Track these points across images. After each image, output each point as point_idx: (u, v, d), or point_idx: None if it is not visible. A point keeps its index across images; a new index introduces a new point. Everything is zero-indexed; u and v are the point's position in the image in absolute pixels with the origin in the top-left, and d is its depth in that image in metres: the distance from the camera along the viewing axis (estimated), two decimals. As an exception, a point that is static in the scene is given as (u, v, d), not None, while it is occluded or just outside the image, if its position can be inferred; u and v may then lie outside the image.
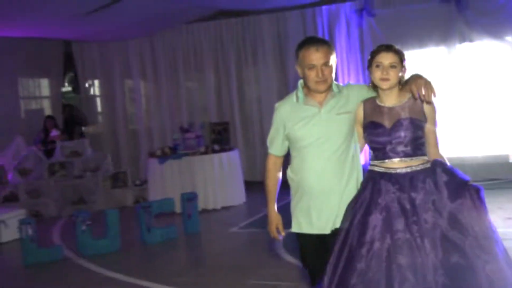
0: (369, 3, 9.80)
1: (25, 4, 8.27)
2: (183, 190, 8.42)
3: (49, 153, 10.61)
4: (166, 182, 9.04)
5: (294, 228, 3.48)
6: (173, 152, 9.33)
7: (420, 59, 9.79)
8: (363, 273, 2.97)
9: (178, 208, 8.16)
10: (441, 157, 3.26)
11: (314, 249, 3.46)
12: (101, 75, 12.30)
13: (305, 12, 10.35)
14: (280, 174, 3.57)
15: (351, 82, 3.31)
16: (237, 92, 11.04)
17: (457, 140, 9.52)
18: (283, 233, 3.54)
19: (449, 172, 3.13)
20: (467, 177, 3.11)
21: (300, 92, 3.43)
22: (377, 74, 3.20)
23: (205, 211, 8.61)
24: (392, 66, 3.17)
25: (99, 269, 6.35)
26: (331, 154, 3.34)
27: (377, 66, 3.19)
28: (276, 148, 3.53)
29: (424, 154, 3.25)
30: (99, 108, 12.78)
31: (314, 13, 10.28)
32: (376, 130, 3.25)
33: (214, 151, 9.21)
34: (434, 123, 3.27)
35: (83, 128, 12.29)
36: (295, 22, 10.45)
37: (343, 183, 3.35)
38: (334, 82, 3.39)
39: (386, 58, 3.18)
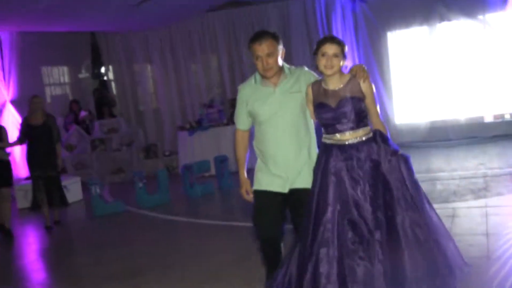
0: (361, -10, 11.31)
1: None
2: (211, 157, 9.98)
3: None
4: (195, 150, 10.65)
5: (255, 186, 3.93)
6: (199, 125, 10.93)
7: (406, 37, 11.38)
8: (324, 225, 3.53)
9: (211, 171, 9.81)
10: (382, 124, 3.72)
11: (264, 206, 3.89)
12: (125, 62, 13.66)
13: (305, 1, 11.86)
14: (247, 145, 4.02)
15: (306, 67, 3.98)
16: (248, 71, 12.53)
17: (441, 105, 11.10)
18: (251, 195, 3.98)
19: (386, 142, 3.60)
20: (397, 147, 3.61)
21: (257, 75, 3.87)
22: (322, 62, 3.57)
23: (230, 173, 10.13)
24: (335, 56, 3.54)
25: (157, 215, 8.00)
26: (286, 126, 3.79)
27: (323, 55, 3.56)
28: (241, 123, 3.98)
29: (366, 125, 3.66)
30: (123, 91, 14.10)
31: (313, 1, 11.76)
32: (323, 109, 3.65)
33: (234, 123, 10.75)
34: (372, 98, 3.66)
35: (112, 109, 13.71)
36: (297, 9, 11.95)
37: (297, 150, 3.82)
38: (286, 65, 3.86)
39: (330, 49, 3.53)
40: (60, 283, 5.57)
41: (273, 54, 3.70)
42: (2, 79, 11.36)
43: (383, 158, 3.53)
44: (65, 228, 8.08)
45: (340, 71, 3.63)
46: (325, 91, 3.66)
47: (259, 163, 3.94)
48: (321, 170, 3.64)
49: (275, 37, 3.75)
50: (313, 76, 3.88)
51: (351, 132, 3.60)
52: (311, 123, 3.92)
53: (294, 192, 3.84)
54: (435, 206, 6.26)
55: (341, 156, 3.58)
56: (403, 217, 3.42)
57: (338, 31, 11.61)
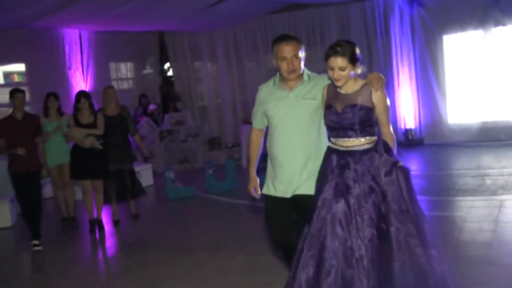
0: (419, -5, 11.82)
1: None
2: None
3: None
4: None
5: (264, 190, 4.01)
6: (262, 119, 11.66)
7: (461, 41, 11.83)
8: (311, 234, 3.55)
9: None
10: (391, 135, 3.64)
11: (276, 210, 3.95)
12: (190, 60, 14.59)
13: (364, 4, 12.48)
14: (261, 144, 4.09)
15: (326, 75, 3.79)
16: (308, 69, 13.21)
17: (493, 107, 11.50)
18: (258, 193, 4.06)
19: (388, 152, 3.55)
20: (399, 159, 3.57)
21: (277, 78, 3.91)
22: (330, 74, 3.54)
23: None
24: (341, 69, 3.48)
25: (224, 199, 8.83)
26: (295, 132, 3.79)
27: (331, 69, 3.51)
28: (257, 122, 4.06)
29: (371, 135, 3.59)
30: (188, 87, 14.95)
31: (372, 5, 12.39)
32: (329, 111, 3.63)
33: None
34: (383, 108, 3.58)
35: (177, 103, 14.60)
36: (356, 12, 12.59)
37: (303, 157, 3.80)
38: (307, 72, 3.87)
39: (335, 63, 3.48)
40: (152, 251, 6.41)
41: (298, 56, 3.76)
42: (81, 73, 12.41)
43: (382, 169, 3.49)
44: (143, 209, 8.90)
45: (353, 77, 3.59)
46: (337, 94, 3.64)
47: (268, 166, 3.99)
48: (321, 174, 3.68)
49: (299, 41, 3.82)
50: (327, 85, 3.85)
51: (353, 139, 3.58)
52: (324, 131, 3.88)
53: (296, 198, 3.85)
54: (483, 198, 6.99)
55: (339, 163, 3.57)
56: (397, 229, 3.40)
57: (395, 34, 12.20)
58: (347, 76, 3.51)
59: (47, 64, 11.73)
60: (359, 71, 3.57)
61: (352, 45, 3.52)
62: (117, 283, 5.47)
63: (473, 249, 5.27)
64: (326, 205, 3.51)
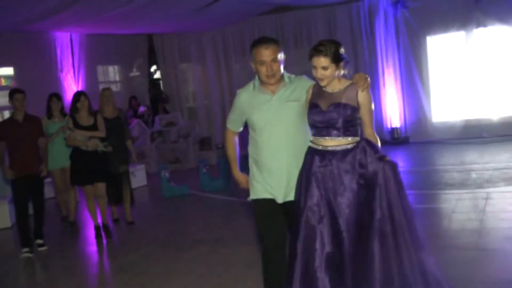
0: (403, -3, 12.16)
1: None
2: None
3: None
4: (248, 142, 11.64)
5: (252, 195, 3.85)
6: (251, 120, 11.92)
7: (444, 42, 12.19)
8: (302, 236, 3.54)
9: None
10: (374, 136, 3.60)
11: (266, 213, 3.80)
12: (178, 61, 14.81)
13: (350, 6, 12.81)
14: (237, 143, 4.03)
15: (306, 76, 3.86)
16: (295, 70, 13.46)
17: (475, 105, 11.86)
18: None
19: (373, 148, 3.49)
20: (384, 154, 3.48)
21: (256, 81, 3.77)
22: (314, 73, 3.52)
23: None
24: (324, 68, 3.47)
25: (219, 197, 9.06)
26: (282, 136, 3.68)
27: (314, 67, 3.50)
28: (233, 125, 3.99)
29: (354, 135, 3.56)
30: (176, 89, 15.11)
31: (358, 7, 12.74)
32: (314, 110, 3.59)
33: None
34: (368, 109, 3.55)
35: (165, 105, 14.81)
36: (342, 14, 12.92)
37: (292, 161, 3.70)
38: (286, 73, 3.76)
39: (318, 62, 3.47)
40: (154, 247, 6.62)
41: (277, 59, 3.65)
42: (73, 76, 12.57)
43: (369, 164, 3.43)
44: (141, 208, 9.07)
45: (338, 76, 3.57)
46: (322, 92, 3.60)
47: (254, 171, 3.85)
48: (304, 175, 3.62)
49: (278, 44, 3.71)
50: (313, 85, 3.78)
51: (335, 138, 3.54)
52: (309, 132, 3.76)
53: (287, 204, 3.76)
54: (470, 191, 7.30)
55: (322, 163, 3.53)
56: (383, 223, 3.34)
57: (380, 35, 12.57)
58: (330, 76, 3.49)
59: (39, 67, 11.83)
60: (342, 71, 3.54)
61: (336, 44, 3.49)
62: (122, 278, 5.64)
63: (463, 237, 5.57)
64: (313, 211, 3.51)
